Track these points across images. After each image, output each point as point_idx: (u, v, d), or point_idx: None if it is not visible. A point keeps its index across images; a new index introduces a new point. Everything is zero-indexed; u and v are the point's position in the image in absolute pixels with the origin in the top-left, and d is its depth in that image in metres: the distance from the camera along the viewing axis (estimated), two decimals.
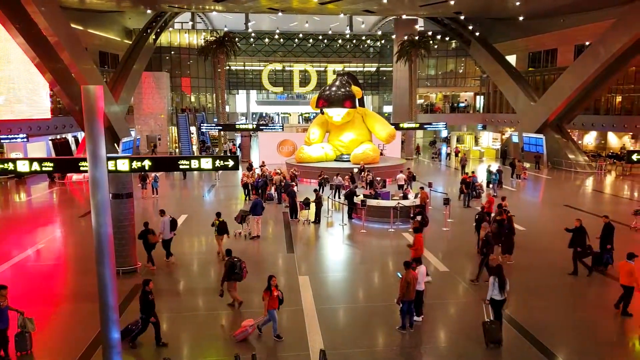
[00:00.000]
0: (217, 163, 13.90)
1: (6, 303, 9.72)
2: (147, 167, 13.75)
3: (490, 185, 26.35)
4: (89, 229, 19.44)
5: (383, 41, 62.42)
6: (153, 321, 10.15)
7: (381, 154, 35.48)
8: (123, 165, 13.61)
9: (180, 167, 13.90)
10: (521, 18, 40.85)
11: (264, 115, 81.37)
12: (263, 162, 30.69)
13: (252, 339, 10.38)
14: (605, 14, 34.70)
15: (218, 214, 16.22)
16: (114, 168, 13.57)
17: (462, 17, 43.63)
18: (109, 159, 13.73)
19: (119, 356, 7.52)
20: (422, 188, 20.66)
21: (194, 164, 13.88)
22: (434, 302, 12.19)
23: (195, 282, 14.18)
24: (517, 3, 35.16)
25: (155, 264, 15.03)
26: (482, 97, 53.58)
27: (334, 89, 30.92)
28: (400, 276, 10.60)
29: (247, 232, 18.15)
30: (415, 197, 20.42)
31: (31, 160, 13.79)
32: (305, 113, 76.80)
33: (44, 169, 13.75)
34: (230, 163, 13.88)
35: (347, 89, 30.73)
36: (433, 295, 12.35)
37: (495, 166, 30.95)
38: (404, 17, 51.15)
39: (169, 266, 15.21)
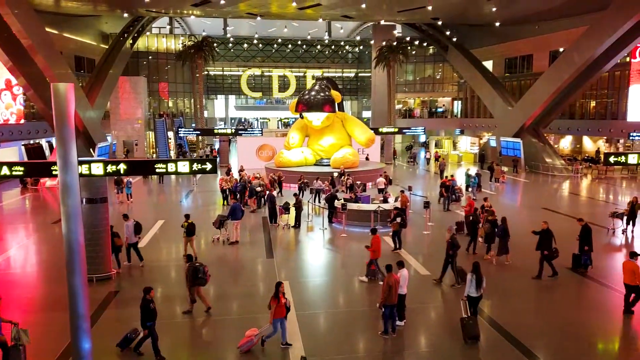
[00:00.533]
0: (195, 166, 13.69)
1: None
2: (122, 171, 13.50)
3: (470, 189, 26.53)
4: (62, 236, 18.85)
5: (361, 47, 62.80)
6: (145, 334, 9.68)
7: (367, 158, 35.54)
8: (97, 168, 13.27)
9: (157, 170, 13.66)
10: (497, 24, 41.56)
11: (242, 120, 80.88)
12: (242, 167, 30.36)
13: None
14: (578, 21, 35.58)
15: (187, 216, 16.38)
16: (88, 172, 13.21)
17: (439, 23, 44.11)
18: (82, 162, 13.35)
19: None
20: (402, 191, 20.64)
21: (171, 167, 13.63)
22: (416, 306, 12.07)
23: (172, 288, 13.77)
24: (493, 9, 35.77)
25: (131, 269, 14.59)
26: (459, 102, 54.24)
27: (313, 93, 30.79)
28: (382, 280, 10.45)
29: (225, 237, 17.81)
30: (396, 200, 20.37)
31: (0, 165, 13.34)
32: (285, 118, 76.62)
33: (14, 173, 13.35)
34: (208, 166, 13.70)
35: (327, 93, 30.64)
36: (415, 300, 12.23)
37: (474, 170, 31.23)
38: (382, 22, 51.59)
39: (143, 272, 14.79)
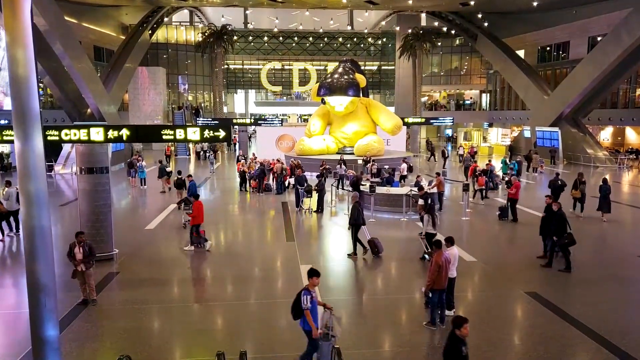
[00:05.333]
0: (207, 133, 12.08)
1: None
2: (125, 137, 11.95)
3: (506, 178, 24.45)
4: (68, 217, 17.62)
5: (385, 39, 60.72)
6: None
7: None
8: (97, 134, 11.75)
9: (164, 137, 12.09)
10: (532, 8, 38.98)
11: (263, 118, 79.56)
12: (254, 155, 28.89)
13: (245, 334, 8.33)
14: (620, 4, 32.87)
15: (179, 172, 19.62)
16: (86, 137, 11.72)
17: (471, 3, 40.54)
18: (80, 127, 11.85)
19: (57, 354, 5.46)
20: (437, 174, 18.66)
21: (180, 134, 12.05)
22: (466, 294, 10.22)
23: (170, 274, 12.10)
24: None
25: (134, 250, 13.05)
26: (487, 94, 51.81)
27: (336, 76, 28.94)
28: (428, 259, 8.61)
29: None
30: (430, 184, 18.41)
31: None
32: (304, 115, 74.93)
33: (4, 138, 12.02)
34: (221, 133, 12.09)
35: (351, 76, 28.76)
36: (464, 287, 10.39)
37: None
38: (407, 12, 49.51)
39: (150, 253, 13.18)
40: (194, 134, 12.06)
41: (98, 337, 8.33)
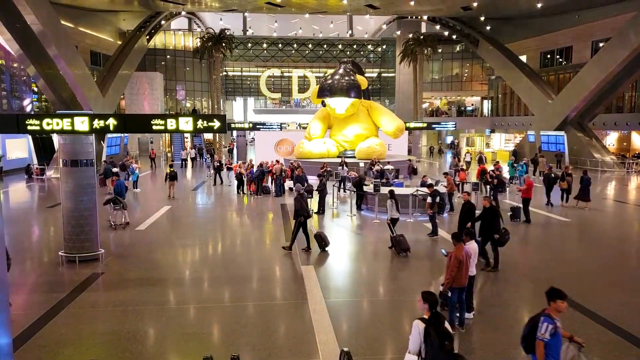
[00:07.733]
0: (200, 123, 11.28)
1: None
2: (111, 127, 11.12)
3: (514, 182, 23.69)
4: (54, 218, 16.67)
5: (384, 46, 60.23)
6: None
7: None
8: (82, 124, 10.93)
9: (154, 127, 11.25)
10: (533, 15, 38.46)
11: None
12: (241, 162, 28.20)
13: (238, 338, 7.39)
14: (624, 8, 32.27)
15: (170, 166, 21.10)
16: (70, 127, 10.88)
17: (474, 5, 39.51)
18: (62, 115, 11.03)
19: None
20: (446, 174, 17.81)
21: (171, 124, 11.22)
22: (485, 295, 9.34)
23: (163, 272, 11.16)
24: None
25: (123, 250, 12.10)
26: (489, 101, 51.16)
27: (337, 77, 28.21)
28: (446, 254, 7.72)
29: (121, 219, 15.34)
30: (436, 184, 17.52)
31: None
32: (304, 123, 74.26)
33: None
34: (216, 124, 11.30)
35: (352, 77, 28.04)
36: (482, 288, 9.52)
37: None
38: (407, 17, 49.04)
39: (136, 254, 12.24)
40: (186, 124, 11.26)
41: (74, 342, 7.38)
